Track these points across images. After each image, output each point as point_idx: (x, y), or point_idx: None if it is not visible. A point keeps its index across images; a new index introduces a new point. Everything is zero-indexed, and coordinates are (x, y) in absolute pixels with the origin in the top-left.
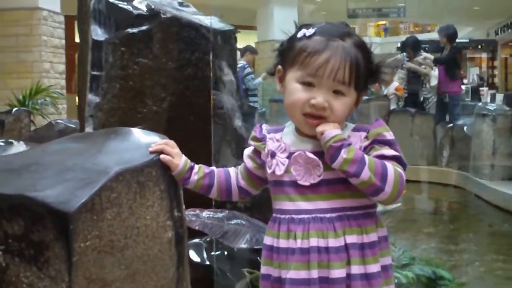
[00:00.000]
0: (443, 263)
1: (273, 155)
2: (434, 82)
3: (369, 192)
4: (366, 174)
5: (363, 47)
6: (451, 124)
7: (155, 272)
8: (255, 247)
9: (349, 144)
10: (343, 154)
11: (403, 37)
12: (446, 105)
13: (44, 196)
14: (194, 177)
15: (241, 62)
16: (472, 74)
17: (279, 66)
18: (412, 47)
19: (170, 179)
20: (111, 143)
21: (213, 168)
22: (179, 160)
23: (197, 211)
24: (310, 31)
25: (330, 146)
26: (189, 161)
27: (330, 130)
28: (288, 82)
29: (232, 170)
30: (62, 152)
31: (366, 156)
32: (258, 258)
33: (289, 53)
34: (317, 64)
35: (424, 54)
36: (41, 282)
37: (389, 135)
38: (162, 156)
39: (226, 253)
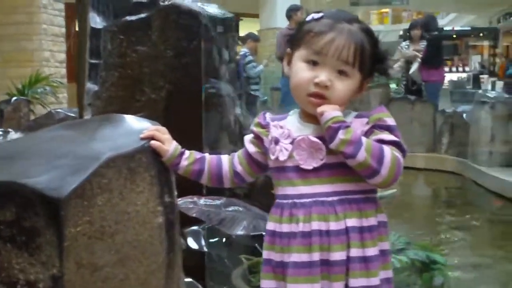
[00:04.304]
0: (438, 248)
1: (276, 141)
2: (412, 70)
3: (366, 174)
4: (362, 155)
5: (369, 33)
6: (451, 111)
7: (145, 257)
8: (252, 233)
9: (348, 126)
10: (341, 135)
11: (406, 25)
12: (430, 94)
13: (35, 182)
14: (184, 162)
15: (242, 50)
16: (474, 62)
17: (288, 50)
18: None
19: (161, 165)
20: (104, 130)
21: (205, 154)
22: (169, 146)
23: (195, 198)
24: (319, 14)
25: (329, 126)
26: (179, 147)
27: (330, 111)
28: (294, 62)
29: (225, 157)
30: (55, 139)
31: (363, 138)
32: (256, 245)
33: (297, 36)
34: (322, 42)
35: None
36: (32, 268)
37: (390, 121)
38: (152, 142)
39: (224, 240)
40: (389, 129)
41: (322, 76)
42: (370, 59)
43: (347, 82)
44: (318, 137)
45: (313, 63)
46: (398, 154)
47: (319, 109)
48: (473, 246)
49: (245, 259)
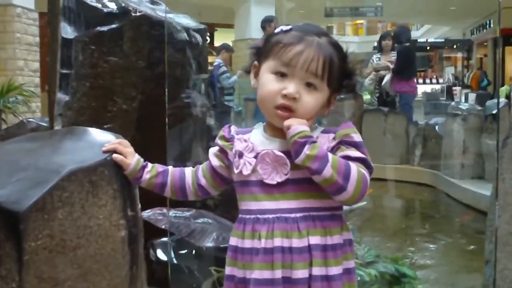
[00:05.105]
0: (408, 261)
1: (240, 155)
2: (384, 81)
3: (332, 190)
4: (328, 171)
5: (338, 47)
6: (423, 123)
7: (108, 271)
8: (222, 245)
9: (314, 142)
10: (306, 150)
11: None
12: (403, 105)
13: None
14: (146, 176)
15: (216, 60)
16: (447, 74)
17: (255, 62)
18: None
19: (123, 178)
20: (66, 143)
21: (169, 167)
22: (131, 159)
23: (164, 210)
24: (288, 27)
25: (295, 141)
26: (142, 160)
27: (296, 126)
28: (262, 73)
29: (188, 170)
30: (17, 152)
31: (330, 154)
32: (226, 256)
33: (265, 48)
34: (291, 54)
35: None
36: None
37: (357, 137)
38: (114, 155)
39: (193, 251)
40: (355, 145)
41: (290, 88)
42: (339, 73)
43: (315, 95)
44: (283, 152)
45: (281, 75)
46: (364, 171)
47: (286, 123)
48: (444, 259)
49: (214, 271)
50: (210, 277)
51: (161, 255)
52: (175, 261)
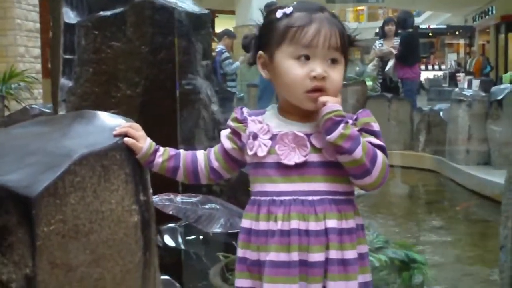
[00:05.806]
0: (416, 247)
1: (255, 136)
2: (388, 67)
3: (357, 173)
4: (359, 152)
5: (338, 18)
6: (428, 109)
7: (121, 256)
8: (229, 231)
9: (347, 122)
10: (342, 129)
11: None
12: (406, 91)
13: (6, 180)
14: (159, 159)
15: (219, 47)
16: (450, 60)
17: (260, 52)
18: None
19: (135, 162)
20: (76, 127)
21: (180, 150)
22: (143, 143)
23: (171, 196)
24: (289, 9)
25: (330, 118)
26: (154, 143)
27: (333, 103)
28: (280, 61)
29: (200, 153)
30: (26, 136)
31: (360, 137)
32: (233, 242)
33: (271, 35)
34: (310, 34)
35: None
36: (5, 268)
37: (376, 127)
38: (126, 139)
39: (201, 237)
40: (374, 134)
41: (318, 68)
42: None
43: (338, 70)
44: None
45: (304, 58)
46: (385, 159)
47: (322, 98)
48: (451, 245)
49: (222, 256)
50: (218, 262)
51: (168, 241)
52: (182, 247)
